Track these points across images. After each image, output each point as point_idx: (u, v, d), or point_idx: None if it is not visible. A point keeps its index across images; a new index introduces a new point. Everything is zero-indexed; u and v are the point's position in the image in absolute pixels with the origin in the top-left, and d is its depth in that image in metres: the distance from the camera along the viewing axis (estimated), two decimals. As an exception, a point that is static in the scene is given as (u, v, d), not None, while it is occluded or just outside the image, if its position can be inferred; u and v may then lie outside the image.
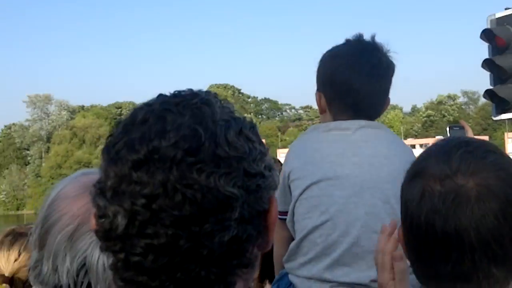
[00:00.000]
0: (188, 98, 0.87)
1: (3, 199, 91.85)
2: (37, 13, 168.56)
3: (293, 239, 2.16)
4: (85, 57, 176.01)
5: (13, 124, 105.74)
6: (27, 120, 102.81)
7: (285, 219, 2.17)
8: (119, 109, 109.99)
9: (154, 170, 0.79)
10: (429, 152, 1.23)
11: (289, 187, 2.15)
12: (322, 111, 2.26)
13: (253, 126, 0.90)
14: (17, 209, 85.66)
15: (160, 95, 0.90)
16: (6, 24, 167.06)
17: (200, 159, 0.80)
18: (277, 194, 2.07)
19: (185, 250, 0.80)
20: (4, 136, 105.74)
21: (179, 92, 0.90)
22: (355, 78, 2.13)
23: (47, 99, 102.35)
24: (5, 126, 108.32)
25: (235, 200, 0.82)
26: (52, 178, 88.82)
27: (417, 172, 1.19)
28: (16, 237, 1.95)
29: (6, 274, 1.86)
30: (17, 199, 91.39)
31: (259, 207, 0.86)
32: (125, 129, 0.84)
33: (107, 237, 0.83)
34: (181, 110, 0.84)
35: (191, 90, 0.91)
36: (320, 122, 2.33)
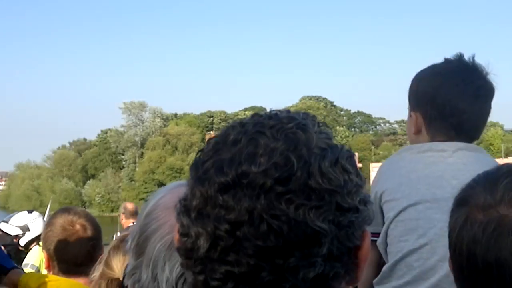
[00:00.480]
0: (284, 121, 0.81)
1: (99, 201, 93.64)
2: (133, 23, 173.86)
3: (380, 261, 2.17)
4: (178, 66, 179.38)
5: (109, 129, 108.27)
6: (122, 126, 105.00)
7: (373, 240, 2.05)
8: (211, 118, 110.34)
9: (241, 196, 0.75)
10: (477, 180, 1.21)
11: (381, 208, 2.11)
12: (416, 131, 2.18)
13: (350, 156, 0.84)
14: (111, 211, 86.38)
15: (255, 115, 0.85)
16: (104, 35, 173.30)
17: (290, 189, 0.75)
18: None
19: (266, 282, 0.76)
20: (100, 141, 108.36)
21: (276, 113, 0.84)
22: (460, 98, 2.09)
23: (142, 106, 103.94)
24: (102, 131, 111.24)
25: (324, 235, 0.76)
26: (145, 183, 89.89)
27: (462, 200, 1.18)
28: None
29: (121, 278, 1.88)
30: (111, 202, 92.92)
31: (350, 244, 0.81)
32: (216, 148, 0.81)
33: (189, 256, 0.81)
34: (274, 134, 0.79)
35: (288, 112, 0.85)
36: (410, 143, 2.26)
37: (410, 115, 2.22)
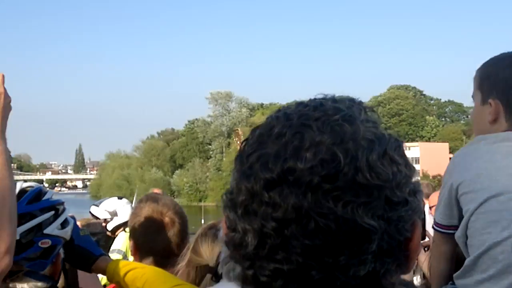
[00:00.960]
0: (330, 113, 0.79)
1: (187, 190, 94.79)
2: (220, 12, 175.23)
3: (454, 254, 2.19)
4: (264, 56, 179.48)
5: (196, 119, 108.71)
6: (209, 116, 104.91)
7: (448, 233, 2.16)
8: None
9: (287, 193, 0.74)
10: None
11: (457, 200, 2.08)
12: (493, 120, 2.13)
13: (399, 145, 0.80)
14: (199, 201, 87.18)
15: (300, 105, 0.83)
16: (192, 25, 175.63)
17: (337, 186, 0.73)
18: (441, 207, 2.18)
19: (316, 280, 0.75)
20: (188, 131, 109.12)
21: (321, 103, 0.81)
22: None
23: (228, 96, 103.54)
24: (189, 121, 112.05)
25: (373, 232, 0.74)
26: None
27: None
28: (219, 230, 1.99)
29: (211, 265, 1.96)
30: (199, 191, 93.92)
31: (400, 237, 0.78)
32: (260, 141, 0.79)
33: (237, 251, 0.79)
34: (320, 127, 0.76)
35: (334, 101, 0.82)
36: (479, 133, 2.20)
37: (483, 103, 2.15)
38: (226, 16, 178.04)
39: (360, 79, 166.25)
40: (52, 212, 1.85)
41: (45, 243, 1.80)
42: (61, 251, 1.96)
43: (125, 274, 1.91)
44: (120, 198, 5.60)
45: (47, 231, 1.81)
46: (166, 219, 2.39)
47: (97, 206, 5.46)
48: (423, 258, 3.33)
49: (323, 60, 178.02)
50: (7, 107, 1.53)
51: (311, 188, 0.73)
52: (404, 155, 0.81)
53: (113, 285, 2.14)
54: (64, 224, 1.91)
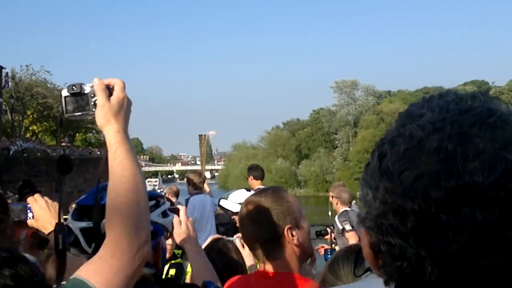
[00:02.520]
0: (484, 115, 0.72)
1: (313, 180, 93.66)
2: (340, 2, 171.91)
3: None
4: (389, 42, 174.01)
5: (321, 109, 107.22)
6: (334, 105, 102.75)
7: None
8: (427, 95, 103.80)
9: (468, 212, 0.67)
10: None
11: None
12: None
13: None
14: (326, 191, 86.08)
15: (441, 110, 0.76)
16: (320, 17, 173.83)
17: None
18: None
19: None
20: (313, 121, 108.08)
21: (471, 107, 0.75)
22: None
23: (353, 84, 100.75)
24: (314, 111, 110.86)
25: None
26: (360, 162, 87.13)
27: None
28: None
29: None
30: (325, 182, 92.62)
31: None
32: (410, 156, 0.72)
33: (405, 281, 0.74)
34: (482, 134, 0.70)
35: (484, 101, 0.76)
36: None
37: None
38: (351, 2, 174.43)
39: (480, 68, 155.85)
40: (154, 202, 1.95)
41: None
42: (164, 241, 2.06)
43: None
44: (248, 190, 5.54)
45: (150, 217, 1.84)
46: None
47: (226, 198, 5.52)
48: None
49: (453, 44, 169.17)
50: (129, 110, 1.68)
51: (498, 204, 0.67)
52: None
53: None
54: (165, 214, 2.01)
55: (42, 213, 2.46)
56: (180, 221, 2.59)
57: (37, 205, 2.49)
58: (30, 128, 61.63)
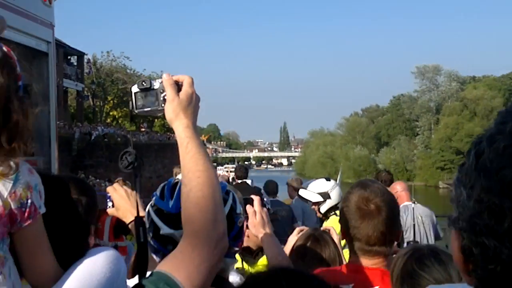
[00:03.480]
0: None
1: (393, 169, 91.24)
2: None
3: None
4: (471, 25, 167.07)
5: (402, 95, 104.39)
6: (415, 91, 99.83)
7: None
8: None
9: None
10: None
11: None
12: None
13: None
14: (407, 180, 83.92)
15: None
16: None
17: None
18: None
19: None
20: (393, 107, 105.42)
21: None
22: None
23: (436, 69, 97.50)
24: (394, 97, 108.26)
25: None
26: (442, 151, 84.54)
27: None
28: None
29: None
30: (406, 171, 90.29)
31: None
32: (510, 153, 0.69)
33: (498, 286, 0.71)
34: None
35: None
36: None
37: None
38: None
39: None
40: (231, 194, 1.95)
41: (241, 222, 1.89)
42: None
43: None
44: (327, 179, 5.41)
45: (238, 210, 1.90)
46: (372, 206, 2.36)
47: (305, 188, 5.40)
48: None
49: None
50: (197, 106, 1.70)
51: None
52: None
53: None
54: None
55: (122, 203, 2.45)
56: (255, 211, 2.64)
57: (117, 194, 2.47)
58: (111, 113, 62.99)
